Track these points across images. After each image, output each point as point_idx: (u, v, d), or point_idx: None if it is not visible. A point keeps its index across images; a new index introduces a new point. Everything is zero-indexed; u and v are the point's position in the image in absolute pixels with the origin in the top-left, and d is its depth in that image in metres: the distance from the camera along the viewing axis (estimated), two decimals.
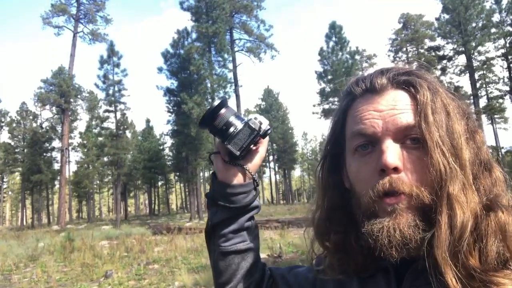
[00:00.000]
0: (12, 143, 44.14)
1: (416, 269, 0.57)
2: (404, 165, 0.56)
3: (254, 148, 0.80)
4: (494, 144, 32.52)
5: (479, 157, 0.58)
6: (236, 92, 33.66)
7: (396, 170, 0.55)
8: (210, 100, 30.15)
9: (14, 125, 44.58)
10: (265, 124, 0.77)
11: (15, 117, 45.49)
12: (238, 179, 0.78)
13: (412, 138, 0.57)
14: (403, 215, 0.55)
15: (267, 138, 0.80)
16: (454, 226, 0.51)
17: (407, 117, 0.57)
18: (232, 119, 0.76)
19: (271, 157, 59.53)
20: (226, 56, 31.62)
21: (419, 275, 0.56)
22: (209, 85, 29.82)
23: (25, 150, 41.51)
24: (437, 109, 0.56)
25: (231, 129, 0.75)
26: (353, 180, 0.62)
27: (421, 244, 0.53)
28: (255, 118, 0.77)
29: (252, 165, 0.80)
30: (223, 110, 0.77)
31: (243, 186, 0.78)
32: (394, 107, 0.59)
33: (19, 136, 44.16)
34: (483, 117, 32.62)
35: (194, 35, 31.28)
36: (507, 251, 0.50)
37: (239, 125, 0.76)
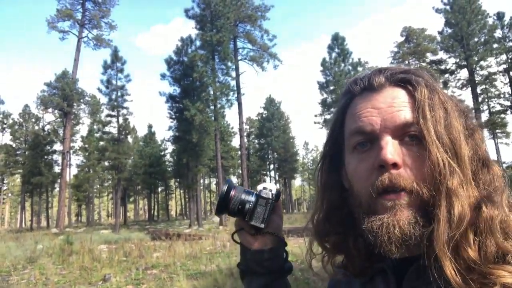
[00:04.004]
0: (14, 145, 44.27)
1: (415, 270, 0.56)
2: (403, 161, 0.55)
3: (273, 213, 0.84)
4: (496, 159, 32.43)
5: (478, 153, 0.57)
6: (239, 100, 33.81)
7: (395, 166, 0.55)
8: (212, 107, 30.28)
9: (16, 127, 44.78)
10: (274, 189, 0.81)
11: (18, 119, 45.78)
12: (269, 244, 0.81)
13: (411, 135, 0.57)
14: (403, 211, 0.54)
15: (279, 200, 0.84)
16: (452, 219, 0.50)
17: (405, 113, 0.57)
18: (244, 196, 0.79)
19: (271, 166, 59.51)
20: (229, 64, 31.88)
21: (419, 276, 0.56)
22: (211, 92, 29.98)
23: (26, 153, 41.57)
24: (435, 105, 0.57)
25: (247, 206, 0.79)
26: (352, 178, 0.62)
27: (421, 240, 0.52)
28: (264, 188, 0.81)
29: (277, 227, 0.82)
30: (232, 192, 0.80)
31: (275, 249, 0.81)
32: (392, 104, 0.58)
33: (20, 139, 44.27)
34: (485, 132, 32.57)
35: (198, 43, 31.60)
36: (496, 245, 0.50)
37: (252, 199, 0.79)
